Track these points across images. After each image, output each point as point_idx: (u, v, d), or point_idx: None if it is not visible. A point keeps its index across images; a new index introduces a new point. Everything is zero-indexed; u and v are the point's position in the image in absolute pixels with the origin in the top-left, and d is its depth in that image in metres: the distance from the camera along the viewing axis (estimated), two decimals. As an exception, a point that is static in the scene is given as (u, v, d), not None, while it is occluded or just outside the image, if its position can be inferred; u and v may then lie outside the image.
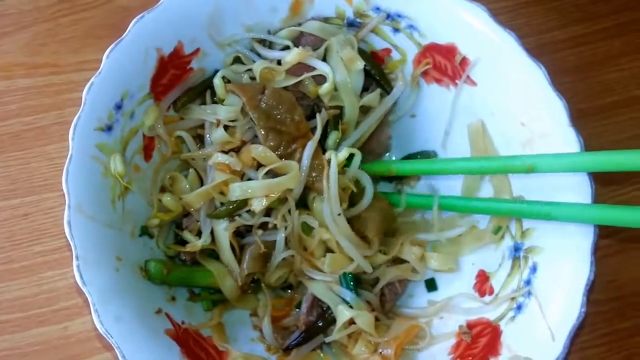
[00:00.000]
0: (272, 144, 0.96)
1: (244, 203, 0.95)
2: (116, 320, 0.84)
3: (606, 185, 1.16)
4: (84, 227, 0.86)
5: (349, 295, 0.97)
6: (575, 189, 0.90)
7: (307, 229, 0.98)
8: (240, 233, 1.00)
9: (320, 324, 0.98)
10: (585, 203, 0.89)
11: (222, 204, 0.97)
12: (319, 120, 0.98)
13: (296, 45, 1.02)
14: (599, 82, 1.23)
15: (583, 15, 1.28)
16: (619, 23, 1.28)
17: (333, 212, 0.95)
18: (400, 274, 1.02)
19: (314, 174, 0.96)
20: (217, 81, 1.00)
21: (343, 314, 0.95)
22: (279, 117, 0.97)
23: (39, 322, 1.06)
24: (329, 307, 0.98)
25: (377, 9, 1.03)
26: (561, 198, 0.90)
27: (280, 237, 0.97)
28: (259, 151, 0.95)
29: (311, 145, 0.96)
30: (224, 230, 0.97)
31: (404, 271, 1.03)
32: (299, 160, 0.96)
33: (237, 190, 0.94)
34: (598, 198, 0.90)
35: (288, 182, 0.94)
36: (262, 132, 0.96)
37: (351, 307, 0.96)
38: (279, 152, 0.96)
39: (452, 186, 1.07)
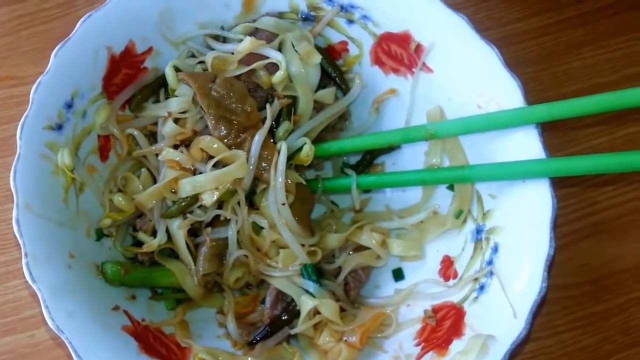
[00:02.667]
0: (221, 133, 0.94)
1: (195, 199, 0.94)
2: (68, 316, 0.83)
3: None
4: (32, 225, 0.86)
5: (311, 286, 0.96)
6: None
7: (258, 228, 0.98)
8: (195, 231, 0.98)
9: (285, 317, 0.97)
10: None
11: (173, 202, 0.95)
12: (269, 111, 0.97)
13: (252, 42, 1.01)
14: (562, 71, 1.23)
15: (544, 6, 1.28)
16: (580, 13, 1.28)
17: (278, 200, 0.94)
18: (363, 261, 1.01)
19: (263, 164, 0.95)
20: (169, 70, 0.98)
21: (306, 303, 0.94)
22: (229, 106, 0.96)
23: (5, 332, 1.05)
24: (293, 300, 0.97)
25: (330, 0, 1.03)
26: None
27: (231, 231, 0.96)
28: (206, 141, 0.94)
29: (260, 135, 0.95)
30: (178, 228, 0.95)
31: (366, 258, 1.01)
32: (249, 150, 0.94)
33: (187, 187, 0.93)
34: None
35: (236, 171, 0.92)
36: (212, 121, 0.94)
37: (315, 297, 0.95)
38: (228, 141, 0.94)
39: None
